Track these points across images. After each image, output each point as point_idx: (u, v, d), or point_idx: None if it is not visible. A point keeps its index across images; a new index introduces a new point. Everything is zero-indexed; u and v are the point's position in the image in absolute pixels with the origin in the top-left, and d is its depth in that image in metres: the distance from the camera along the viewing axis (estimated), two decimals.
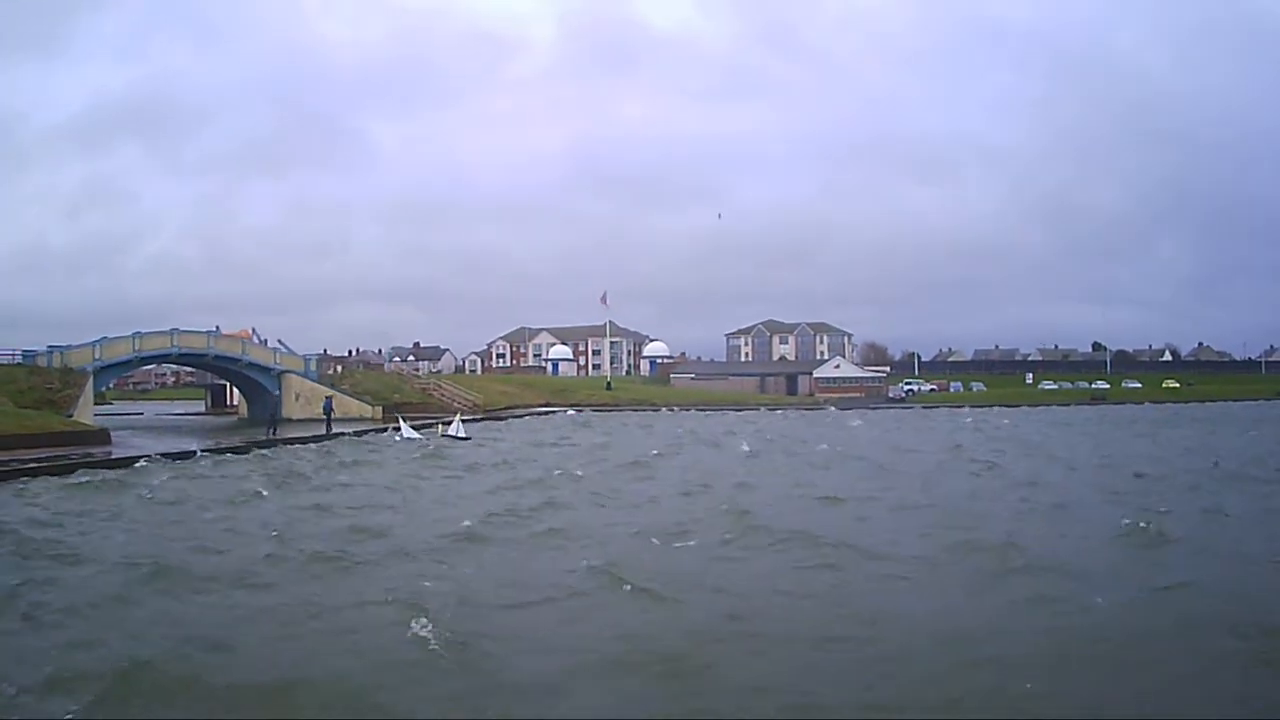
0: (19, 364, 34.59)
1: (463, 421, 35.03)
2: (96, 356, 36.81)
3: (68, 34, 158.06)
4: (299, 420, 42.20)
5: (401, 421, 33.07)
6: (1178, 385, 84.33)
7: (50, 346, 36.19)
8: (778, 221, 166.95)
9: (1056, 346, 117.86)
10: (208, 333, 44.62)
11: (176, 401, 69.45)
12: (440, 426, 33.68)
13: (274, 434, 29.35)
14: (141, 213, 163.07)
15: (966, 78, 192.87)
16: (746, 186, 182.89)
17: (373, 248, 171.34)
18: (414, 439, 29.94)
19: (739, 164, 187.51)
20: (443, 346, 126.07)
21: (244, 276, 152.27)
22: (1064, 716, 5.35)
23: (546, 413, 55.71)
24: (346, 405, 42.56)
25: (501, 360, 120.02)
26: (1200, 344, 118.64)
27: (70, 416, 28.45)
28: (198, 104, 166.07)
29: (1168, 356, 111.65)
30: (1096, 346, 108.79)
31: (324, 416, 33.66)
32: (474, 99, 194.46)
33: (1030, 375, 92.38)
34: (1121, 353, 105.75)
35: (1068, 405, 66.75)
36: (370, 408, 44.62)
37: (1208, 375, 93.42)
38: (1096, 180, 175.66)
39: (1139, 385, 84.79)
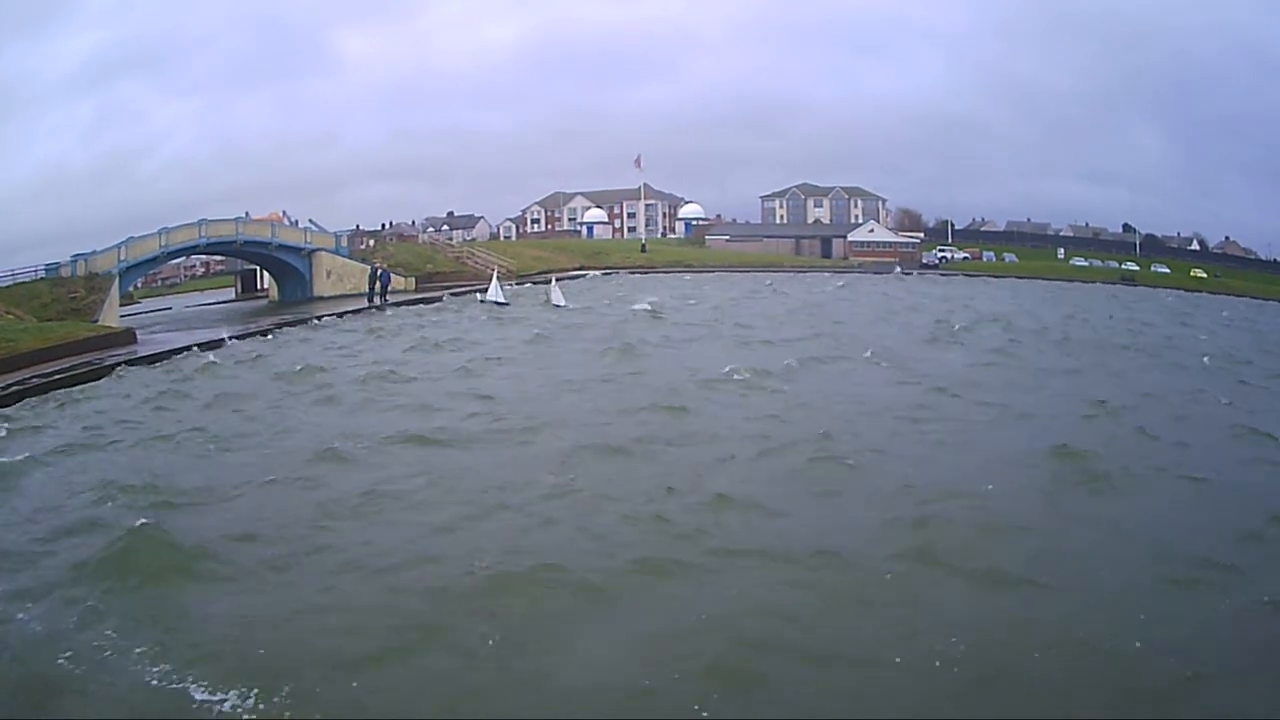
0: (41, 279, 33.70)
1: (501, 286, 35.54)
2: (122, 258, 36.01)
3: (61, 9, 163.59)
4: (330, 297, 41.60)
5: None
6: (1205, 275, 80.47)
7: (74, 255, 35.07)
8: (740, 96, 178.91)
9: (1088, 224, 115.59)
10: (236, 219, 43.62)
11: (206, 291, 67.88)
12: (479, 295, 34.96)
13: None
14: (151, 130, 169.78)
15: None
16: (696, 64, 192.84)
17: (377, 133, 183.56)
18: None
19: (683, 45, 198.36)
20: (477, 215, 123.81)
21: (257, 170, 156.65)
22: None
23: (578, 276, 53.63)
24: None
25: (536, 226, 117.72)
26: (1227, 238, 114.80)
27: (96, 322, 28.31)
28: (186, 41, 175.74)
29: (1195, 245, 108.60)
30: (1126, 228, 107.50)
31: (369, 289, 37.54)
32: (428, 8, 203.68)
33: (1062, 251, 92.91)
34: (1150, 236, 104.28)
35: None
36: (404, 279, 43.96)
37: (1235, 270, 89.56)
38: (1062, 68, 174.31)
39: (1168, 271, 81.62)
